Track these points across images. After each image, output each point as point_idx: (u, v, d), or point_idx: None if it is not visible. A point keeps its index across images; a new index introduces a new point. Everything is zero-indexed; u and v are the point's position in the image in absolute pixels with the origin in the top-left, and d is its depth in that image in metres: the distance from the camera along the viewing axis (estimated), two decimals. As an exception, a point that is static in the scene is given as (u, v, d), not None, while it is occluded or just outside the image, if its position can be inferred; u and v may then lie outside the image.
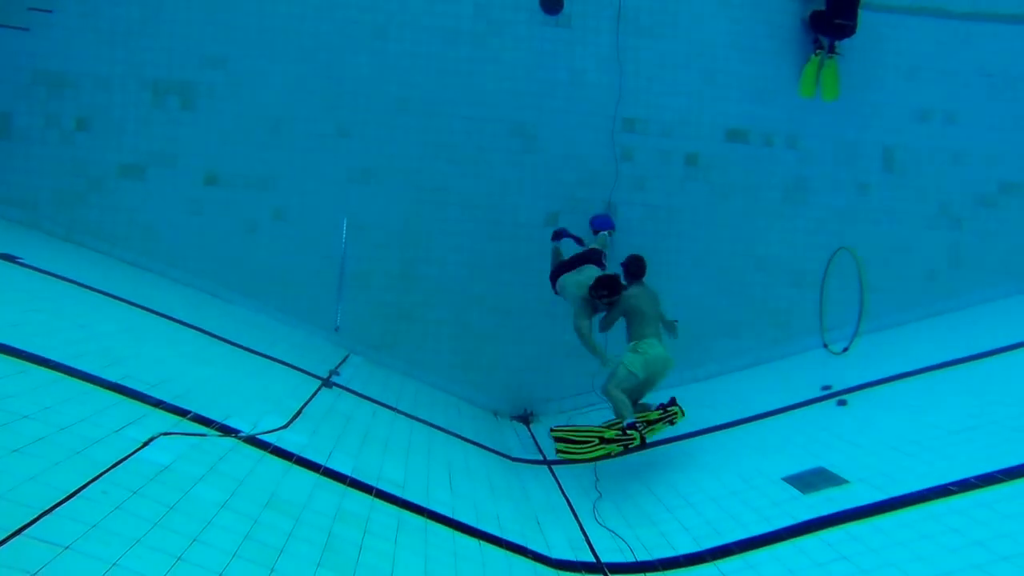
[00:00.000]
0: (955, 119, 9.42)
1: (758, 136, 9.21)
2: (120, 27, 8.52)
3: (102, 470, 3.65)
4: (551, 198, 8.89)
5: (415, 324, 8.80)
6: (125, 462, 3.82)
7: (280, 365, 7.10)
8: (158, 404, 4.68)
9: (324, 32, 8.72)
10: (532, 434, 8.45)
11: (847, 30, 8.99)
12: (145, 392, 4.72)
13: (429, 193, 8.79)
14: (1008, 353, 7.27)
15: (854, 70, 9.29)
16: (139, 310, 6.80)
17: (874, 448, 5.99)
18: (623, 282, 7.18)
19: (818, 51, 9.16)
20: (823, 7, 9.07)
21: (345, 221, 8.58)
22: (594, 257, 7.78)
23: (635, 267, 7.33)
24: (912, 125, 9.40)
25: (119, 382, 4.70)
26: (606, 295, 7.06)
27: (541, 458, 7.64)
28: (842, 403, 7.20)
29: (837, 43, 9.13)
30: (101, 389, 4.54)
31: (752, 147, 9.12)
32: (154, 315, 6.83)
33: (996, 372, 6.97)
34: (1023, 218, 9.50)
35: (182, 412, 4.73)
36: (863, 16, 9.01)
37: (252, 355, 7.06)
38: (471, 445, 7.39)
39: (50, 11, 8.41)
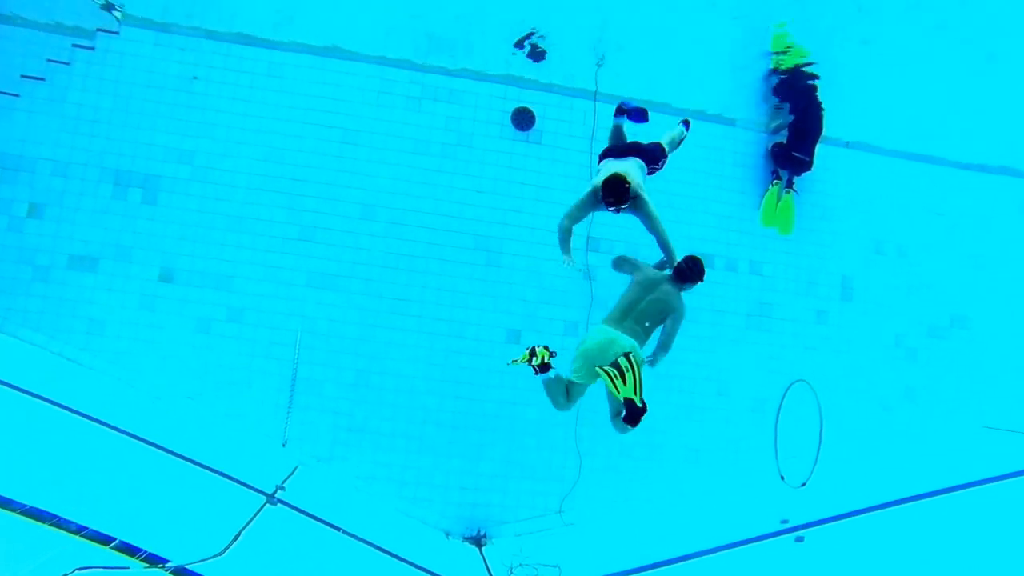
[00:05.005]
0: (906, 253, 9.75)
1: (722, 260, 9.27)
2: (87, 115, 8.35)
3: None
4: (512, 314, 8.73)
5: (367, 436, 8.45)
6: (32, 603, 3.49)
7: (223, 478, 6.73)
8: (78, 531, 4.32)
9: (293, 133, 8.65)
10: (484, 557, 8.07)
11: (804, 165, 9.26)
12: (65, 517, 4.37)
13: (388, 302, 8.59)
14: (961, 492, 7.29)
15: (814, 200, 9.54)
16: (68, 413, 6.42)
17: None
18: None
19: (775, 182, 9.40)
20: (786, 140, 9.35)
21: (299, 332, 8.32)
22: (647, 151, 7.37)
23: (684, 267, 7.03)
24: (868, 256, 9.67)
25: (35, 506, 4.34)
26: (612, 202, 6.75)
27: (490, 586, 7.31)
28: (799, 540, 7.06)
29: (795, 179, 9.38)
30: (13, 514, 4.19)
31: (716, 271, 9.12)
32: (85, 419, 6.45)
33: (950, 510, 6.98)
34: (972, 352, 9.73)
35: (105, 540, 4.38)
36: (822, 150, 9.32)
37: (193, 466, 6.69)
38: (418, 571, 7.02)
39: (17, 95, 8.25)
